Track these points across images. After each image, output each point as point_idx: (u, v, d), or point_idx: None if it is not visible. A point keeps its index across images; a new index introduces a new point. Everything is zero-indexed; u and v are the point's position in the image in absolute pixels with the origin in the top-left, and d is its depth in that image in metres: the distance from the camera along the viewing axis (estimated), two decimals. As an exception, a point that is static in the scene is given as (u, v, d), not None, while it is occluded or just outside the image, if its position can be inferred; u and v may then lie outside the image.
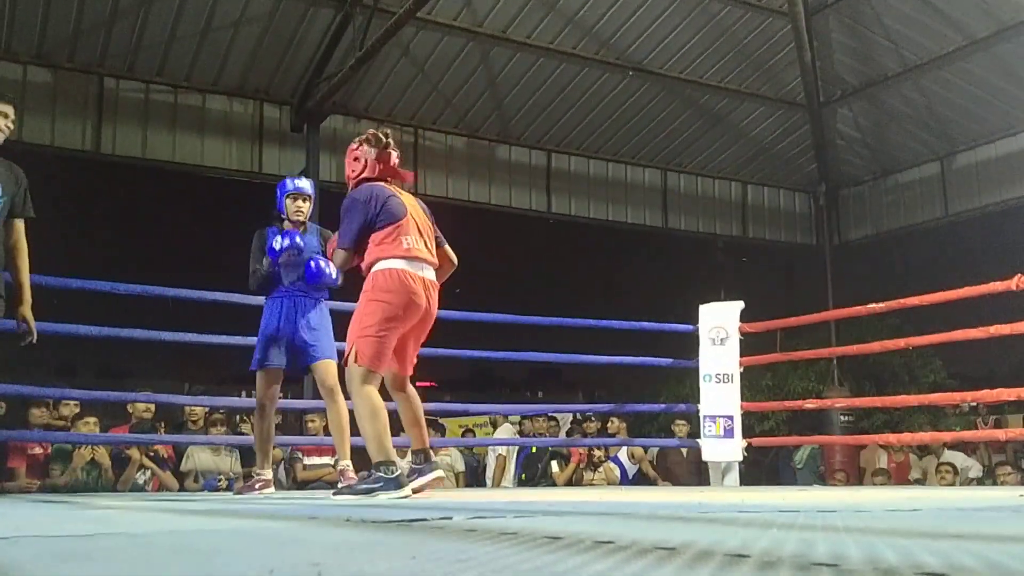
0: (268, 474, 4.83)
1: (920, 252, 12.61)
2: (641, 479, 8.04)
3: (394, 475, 3.72)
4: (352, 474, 4.51)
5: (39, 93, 8.34)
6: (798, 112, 10.75)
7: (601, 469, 7.90)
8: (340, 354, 4.21)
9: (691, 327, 7.08)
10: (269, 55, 8.77)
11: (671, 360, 7.52)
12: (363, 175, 4.06)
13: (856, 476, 8.74)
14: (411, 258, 3.88)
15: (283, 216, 4.89)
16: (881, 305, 6.44)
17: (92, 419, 6.17)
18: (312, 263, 4.61)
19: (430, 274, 3.97)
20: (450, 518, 2.06)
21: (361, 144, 4.12)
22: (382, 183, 4.05)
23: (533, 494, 4.87)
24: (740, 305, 6.96)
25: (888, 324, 9.89)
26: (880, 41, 9.54)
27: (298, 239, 4.69)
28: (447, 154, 10.32)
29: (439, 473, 4.08)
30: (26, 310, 4.01)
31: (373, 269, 3.89)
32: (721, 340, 6.86)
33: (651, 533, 1.70)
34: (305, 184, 4.97)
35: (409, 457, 4.16)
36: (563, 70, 9.64)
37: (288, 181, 4.97)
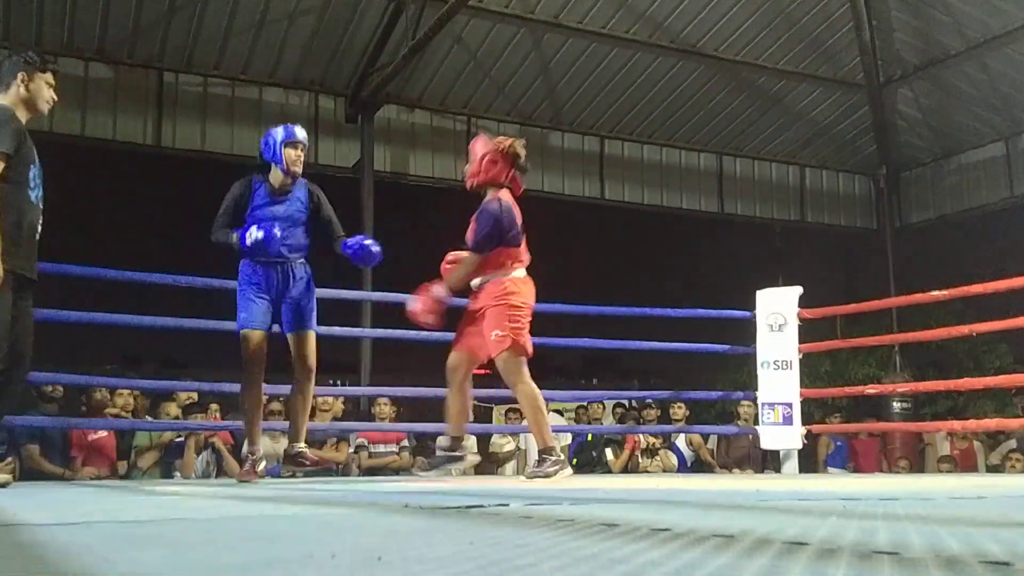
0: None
1: (985, 235, 12.29)
2: (699, 467, 7.99)
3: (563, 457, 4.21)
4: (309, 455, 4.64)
5: (101, 89, 8.52)
6: (857, 93, 10.53)
7: (657, 456, 7.86)
8: None
9: (748, 313, 7.00)
10: (323, 47, 8.85)
11: (728, 347, 7.44)
12: (491, 179, 4.34)
13: (918, 464, 8.58)
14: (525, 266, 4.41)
15: (276, 165, 4.51)
16: (944, 292, 6.28)
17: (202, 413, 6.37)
18: (371, 246, 4.52)
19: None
20: (507, 505, 2.07)
21: (501, 150, 4.34)
22: (507, 192, 4.37)
23: (589, 481, 4.87)
24: (798, 291, 6.85)
25: (951, 309, 9.68)
26: (941, 19, 9.30)
27: (276, 231, 4.31)
28: (500, 142, 10.30)
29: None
30: None
31: (505, 276, 4.32)
32: (779, 326, 6.77)
33: (709, 521, 1.70)
34: (303, 132, 4.65)
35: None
36: (616, 54, 9.57)
37: (284, 128, 4.62)
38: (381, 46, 8.64)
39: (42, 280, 3.83)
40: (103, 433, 6.10)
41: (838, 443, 8.49)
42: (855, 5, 9.06)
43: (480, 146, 4.41)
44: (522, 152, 4.39)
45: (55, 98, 3.82)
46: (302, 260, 4.54)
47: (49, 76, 3.78)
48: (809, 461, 8.38)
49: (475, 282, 4.42)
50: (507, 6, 8.73)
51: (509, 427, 8.65)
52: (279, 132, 4.58)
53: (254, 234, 4.30)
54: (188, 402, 6.59)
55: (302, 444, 4.60)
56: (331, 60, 9.03)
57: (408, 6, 8.09)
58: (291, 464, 4.64)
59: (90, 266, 5.33)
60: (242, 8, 8.21)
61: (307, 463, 4.62)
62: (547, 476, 4.18)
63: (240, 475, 4.70)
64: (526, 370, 4.36)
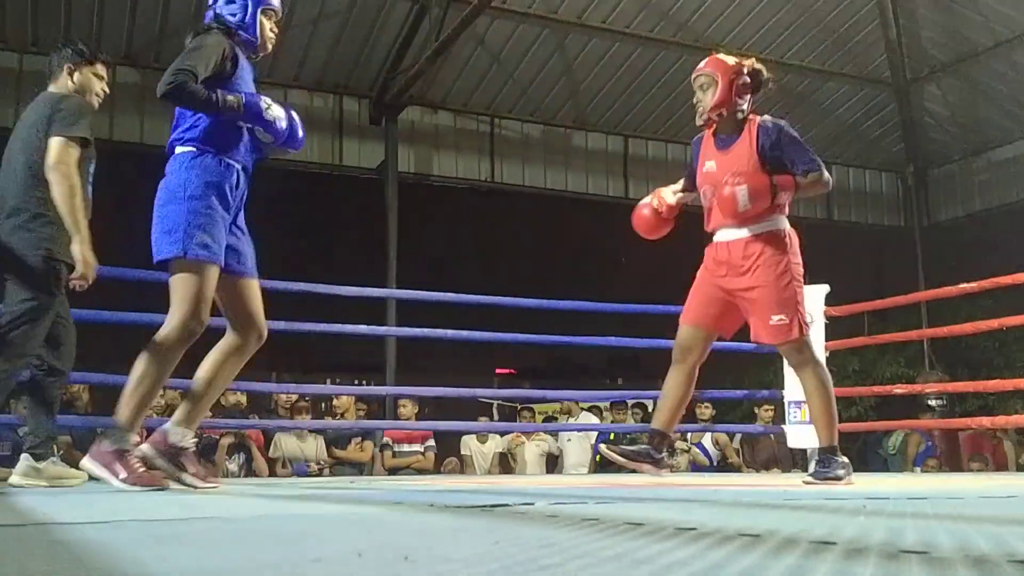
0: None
1: (1014, 232, 12.17)
2: (726, 466, 7.96)
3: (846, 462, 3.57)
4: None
5: (128, 93, 8.61)
6: (884, 90, 10.45)
7: (679, 454, 7.84)
8: None
9: (774, 312, 6.95)
10: (348, 50, 8.89)
11: (755, 345, 7.39)
12: (739, 108, 3.68)
13: (958, 463, 8.47)
14: None
15: (240, 35, 3.29)
16: (973, 284, 6.21)
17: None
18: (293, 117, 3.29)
19: None
20: (532, 504, 2.08)
21: (750, 71, 3.72)
22: None
23: (614, 480, 4.86)
24: (825, 288, 6.81)
25: (981, 307, 9.57)
26: (969, 15, 9.20)
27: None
28: (523, 142, 10.32)
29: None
30: (74, 247, 3.39)
31: (779, 226, 3.65)
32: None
33: (735, 520, 1.69)
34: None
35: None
36: (640, 54, 9.55)
37: None
38: (405, 48, 8.68)
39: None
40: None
41: (928, 442, 8.42)
42: (881, 2, 8.99)
43: (722, 67, 3.66)
44: (766, 72, 3.78)
45: (106, 90, 3.65)
46: None
47: (98, 68, 3.67)
48: (898, 460, 8.33)
49: (735, 233, 3.60)
50: (530, 6, 8.74)
51: (532, 426, 8.66)
52: None
53: (276, 113, 3.11)
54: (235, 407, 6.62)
55: (191, 437, 3.17)
56: (355, 62, 9.08)
57: (432, 8, 8.12)
58: (168, 460, 3.11)
59: (120, 267, 5.37)
60: (267, 11, 8.27)
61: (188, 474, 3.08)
62: (836, 480, 3.47)
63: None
64: (815, 351, 3.71)
